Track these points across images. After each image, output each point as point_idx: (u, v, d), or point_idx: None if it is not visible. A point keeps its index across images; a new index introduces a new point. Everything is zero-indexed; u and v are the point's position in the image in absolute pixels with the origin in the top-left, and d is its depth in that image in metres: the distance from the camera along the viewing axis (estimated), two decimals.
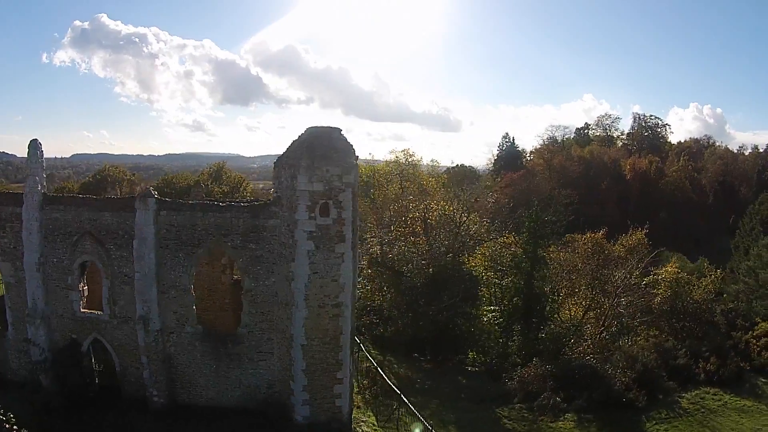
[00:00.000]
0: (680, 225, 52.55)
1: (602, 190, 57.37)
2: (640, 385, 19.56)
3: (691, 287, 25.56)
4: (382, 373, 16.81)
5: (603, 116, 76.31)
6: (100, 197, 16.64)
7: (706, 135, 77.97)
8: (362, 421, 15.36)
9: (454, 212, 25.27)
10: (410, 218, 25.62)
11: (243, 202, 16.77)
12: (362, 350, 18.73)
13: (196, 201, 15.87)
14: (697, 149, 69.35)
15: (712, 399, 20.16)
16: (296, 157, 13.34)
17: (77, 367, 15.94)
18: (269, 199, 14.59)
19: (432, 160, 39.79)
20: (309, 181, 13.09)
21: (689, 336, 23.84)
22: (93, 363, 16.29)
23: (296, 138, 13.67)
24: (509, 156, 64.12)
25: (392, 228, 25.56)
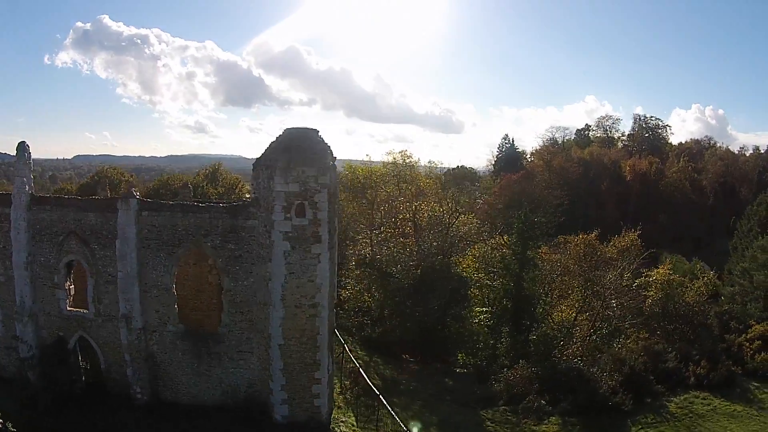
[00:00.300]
0: (680, 226, 52.04)
1: (602, 192, 56.97)
2: (627, 389, 19.35)
3: (683, 289, 25.29)
4: (363, 373, 16.87)
5: (603, 117, 75.91)
6: (84, 198, 16.91)
7: (707, 136, 77.22)
8: (341, 421, 15.44)
9: (443, 214, 25.28)
10: (400, 219, 25.67)
11: (222, 203, 16.97)
12: (346, 351, 18.79)
13: (177, 202, 16.09)
14: (698, 150, 68.65)
15: (701, 403, 19.89)
16: (273, 158, 13.51)
17: (64, 364, 16.24)
18: (248, 200, 14.76)
19: (429, 161, 39.84)
20: (285, 182, 13.25)
21: (681, 339, 23.59)
22: (79, 360, 16.58)
23: (274, 139, 13.84)
24: (509, 157, 63.91)
25: (382, 229, 25.64)
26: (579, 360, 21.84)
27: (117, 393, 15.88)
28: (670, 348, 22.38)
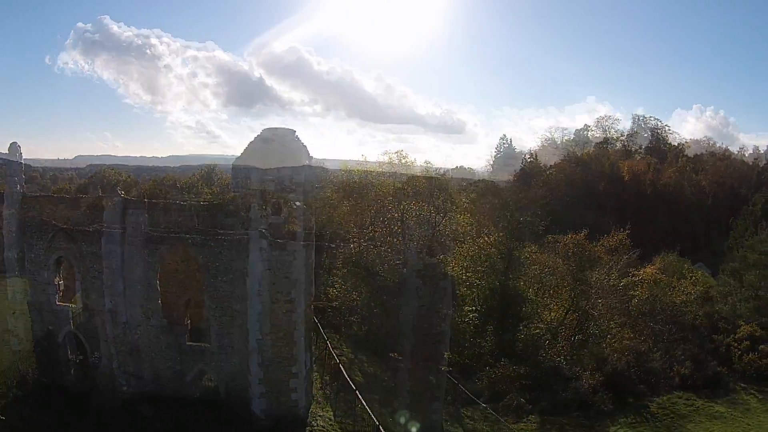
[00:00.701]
0: (679, 226, 51.68)
1: (600, 192, 56.72)
2: (609, 388, 19.44)
3: (671, 289, 25.26)
4: (343, 369, 17.17)
5: (602, 118, 75.45)
6: (72, 197, 17.47)
7: (706, 136, 76.99)
8: (319, 416, 15.73)
9: (431, 212, 25.49)
10: (389, 218, 25.92)
11: (203, 202, 17.42)
12: (328, 347, 19.10)
13: (160, 200, 16.56)
14: (698, 151, 68.15)
15: (684, 404, 19.90)
16: (250, 158, 13.90)
17: (54, 357, 16.77)
18: (228, 199, 15.19)
19: (425, 161, 39.93)
20: (261, 181, 13.63)
21: (668, 339, 23.55)
22: (69, 353, 17.09)
23: (252, 140, 14.24)
24: (507, 158, 64.00)
25: (370, 228, 25.92)
26: (562, 359, 21.92)
27: (104, 385, 16.33)
28: (656, 348, 22.39)
